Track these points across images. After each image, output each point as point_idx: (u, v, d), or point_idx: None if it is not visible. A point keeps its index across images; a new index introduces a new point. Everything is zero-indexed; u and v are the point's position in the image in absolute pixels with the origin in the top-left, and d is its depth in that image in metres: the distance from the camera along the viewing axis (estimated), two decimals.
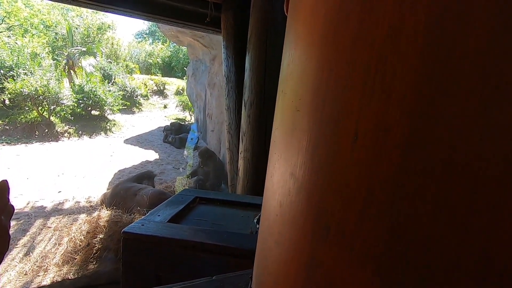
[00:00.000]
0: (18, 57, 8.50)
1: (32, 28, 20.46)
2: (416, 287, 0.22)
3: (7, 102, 8.83)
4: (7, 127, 7.90)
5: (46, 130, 8.25)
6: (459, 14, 0.19)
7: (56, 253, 2.71)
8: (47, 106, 8.33)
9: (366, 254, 0.25)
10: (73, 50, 11.44)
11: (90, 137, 8.94)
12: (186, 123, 12.61)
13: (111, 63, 15.96)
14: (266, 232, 0.41)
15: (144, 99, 15.65)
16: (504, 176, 0.18)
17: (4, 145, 6.95)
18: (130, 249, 1.01)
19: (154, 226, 1.06)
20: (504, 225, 0.18)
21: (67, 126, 8.83)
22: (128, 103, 12.22)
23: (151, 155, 7.49)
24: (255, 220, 1.23)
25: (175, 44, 28.08)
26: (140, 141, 9.03)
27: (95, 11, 18.26)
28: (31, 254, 2.77)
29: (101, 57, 12.83)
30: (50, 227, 3.34)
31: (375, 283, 0.24)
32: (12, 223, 3.40)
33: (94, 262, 2.49)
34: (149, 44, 28.74)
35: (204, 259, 0.99)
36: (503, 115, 0.18)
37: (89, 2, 2.56)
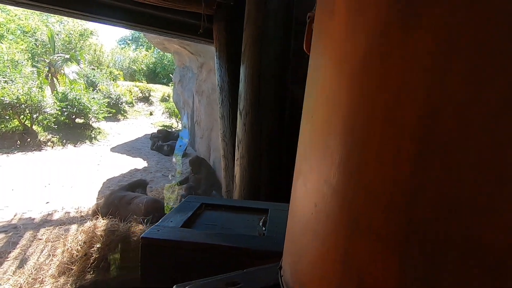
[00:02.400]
0: (4, 66, 8.26)
1: (8, 33, 19.80)
2: (428, 267, 0.32)
3: None
4: None
5: (29, 140, 8.01)
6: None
7: (50, 264, 2.68)
8: (29, 114, 8.11)
9: (388, 241, 0.35)
10: (56, 57, 11.19)
11: (74, 146, 8.75)
12: (173, 130, 12.55)
13: (95, 70, 15.71)
14: (299, 229, 0.51)
15: (129, 106, 15.44)
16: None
17: None
18: (149, 254, 1.08)
19: (170, 231, 1.14)
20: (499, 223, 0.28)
21: (51, 135, 8.61)
22: (114, 111, 12.04)
23: (140, 163, 7.42)
24: (261, 223, 1.33)
25: (159, 50, 27.89)
26: (127, 149, 8.92)
27: None
28: (24, 266, 2.72)
29: (85, 64, 12.59)
30: (41, 239, 3.29)
31: (395, 263, 0.35)
32: (1, 236, 3.33)
33: (91, 272, 2.49)
34: (133, 50, 28.43)
35: (219, 260, 1.08)
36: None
37: (78, 13, 2.61)
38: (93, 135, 9.80)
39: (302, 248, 0.49)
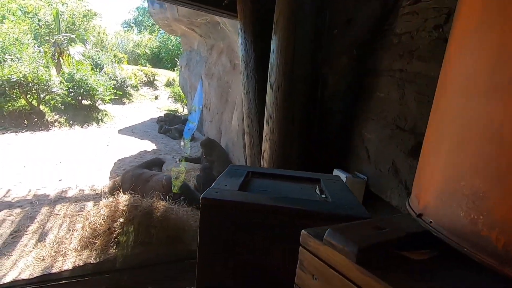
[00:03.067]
0: (4, 42, 8.07)
1: (9, 14, 19.43)
2: None
3: None
4: None
5: (36, 119, 7.92)
6: None
7: (71, 238, 2.63)
8: (36, 94, 7.98)
9: None
10: (61, 37, 10.96)
11: (82, 127, 8.66)
12: (179, 114, 12.43)
13: (99, 52, 15.44)
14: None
15: (134, 90, 15.27)
16: None
17: None
18: (208, 215, 0.99)
19: (228, 193, 1.05)
20: None
21: (57, 116, 8.51)
22: (120, 93, 11.88)
23: (148, 146, 7.34)
24: (317, 191, 1.24)
25: (163, 34, 27.46)
26: (135, 131, 8.83)
27: None
28: (44, 240, 2.68)
29: (91, 45, 12.36)
30: (58, 214, 3.24)
31: None
32: (17, 210, 3.28)
33: (114, 247, 2.44)
34: (136, 34, 27.96)
35: (282, 223, 0.99)
36: None
37: None
38: (99, 117, 9.69)
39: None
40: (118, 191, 2.92)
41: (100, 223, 2.45)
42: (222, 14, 3.33)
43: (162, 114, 12.37)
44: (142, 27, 31.80)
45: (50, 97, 8.37)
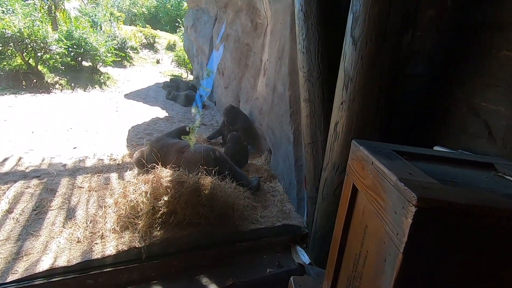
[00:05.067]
0: None
1: None
2: None
3: None
4: None
5: (35, 80, 7.28)
6: None
7: (105, 217, 2.30)
8: (33, 52, 7.27)
9: None
10: None
11: (84, 91, 8.06)
12: (185, 79, 11.77)
13: (95, 8, 14.22)
14: None
15: (134, 53, 14.34)
16: None
17: None
18: (435, 227, 0.62)
19: (448, 190, 0.67)
20: None
21: (58, 77, 7.86)
22: (123, 54, 11.08)
23: (159, 112, 6.86)
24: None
25: None
26: (142, 96, 8.27)
27: None
28: (74, 217, 2.34)
29: (89, 0, 11.27)
30: (81, 187, 2.88)
31: None
32: (34, 181, 2.91)
33: (158, 228, 2.12)
34: None
35: None
36: None
37: None
38: (102, 80, 9.04)
39: None
40: (149, 164, 2.55)
41: (142, 201, 2.10)
42: None
43: (166, 79, 11.69)
44: None
45: (49, 56, 7.66)
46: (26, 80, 7.18)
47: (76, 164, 3.46)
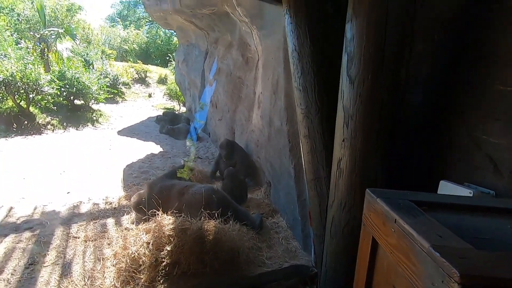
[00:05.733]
0: None
1: None
2: None
3: None
4: None
5: (26, 122, 7.20)
6: None
7: (104, 271, 2.17)
8: (24, 94, 7.26)
9: None
10: (47, 31, 10.10)
11: (77, 129, 8.00)
12: (177, 112, 11.86)
13: (87, 47, 14.53)
14: None
15: (126, 88, 14.51)
16: None
17: None
18: None
19: (486, 259, 0.64)
20: None
21: (49, 117, 7.81)
22: (116, 91, 11.18)
23: (154, 148, 6.81)
24: None
25: (151, 29, 26.41)
26: (136, 132, 8.24)
27: None
28: (70, 274, 2.20)
29: (81, 40, 11.54)
30: (77, 237, 2.75)
31: None
32: (26, 234, 2.77)
33: (161, 281, 2.00)
34: (122, 29, 26.79)
35: None
36: None
37: None
38: (94, 118, 9.02)
39: None
40: (148, 208, 2.47)
41: (144, 253, 2.00)
42: None
43: (158, 113, 11.76)
44: (128, 22, 30.61)
45: (41, 98, 7.65)
46: (17, 123, 7.10)
47: (70, 211, 3.33)
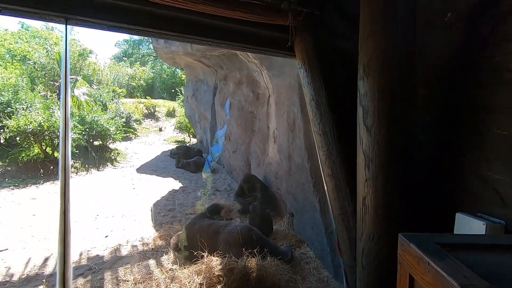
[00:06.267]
0: (13, 92, 7.91)
1: None
2: None
3: (1, 140, 8.14)
4: (9, 168, 7.22)
5: (51, 167, 7.64)
6: None
7: None
8: (50, 141, 7.75)
9: None
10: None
11: (98, 170, 8.40)
12: (189, 145, 12.28)
13: (100, 89, 15.34)
14: None
15: (137, 124, 15.11)
16: None
17: (12, 188, 6.31)
18: None
19: None
20: None
21: (72, 161, 8.24)
22: (132, 130, 11.71)
23: (173, 183, 7.13)
24: None
25: (156, 64, 27.64)
26: (153, 168, 8.61)
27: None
28: None
29: (97, 85, 12.27)
30: (126, 280, 3.00)
31: None
32: (80, 280, 3.03)
33: None
34: (127, 66, 28.08)
35: None
36: None
37: (146, 30, 2.41)
38: (113, 157, 9.46)
39: None
40: (187, 248, 2.73)
41: None
42: (277, 54, 3.29)
43: (170, 146, 12.22)
44: (132, 59, 32.11)
45: None
46: (44, 168, 7.53)
47: (112, 254, 3.59)
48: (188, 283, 2.36)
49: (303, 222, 3.79)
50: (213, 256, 2.57)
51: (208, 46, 4.71)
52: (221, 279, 2.31)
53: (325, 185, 3.02)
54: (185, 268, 3.02)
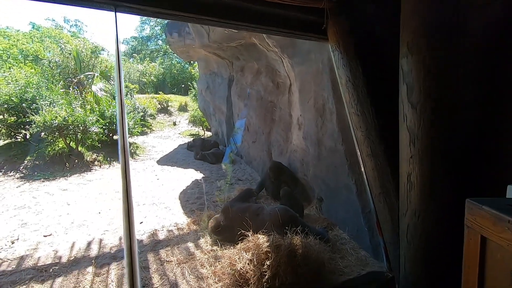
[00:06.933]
0: (38, 89, 8.12)
1: (11, 58, 19.79)
2: None
3: (28, 136, 8.39)
4: (37, 162, 7.46)
5: (76, 161, 7.85)
6: None
7: None
8: (74, 135, 7.96)
9: None
10: (83, 76, 11.04)
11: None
12: (205, 138, 12.40)
13: (113, 86, 15.56)
14: None
15: (151, 118, 15.32)
16: None
17: (43, 181, 6.53)
18: None
19: None
20: None
21: (95, 154, 8.45)
22: (149, 124, 11.89)
23: (195, 174, 7.26)
24: None
25: (163, 59, 27.77)
26: (174, 161, 8.77)
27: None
28: None
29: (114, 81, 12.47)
30: (170, 261, 3.11)
31: None
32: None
33: None
34: (137, 63, 28.35)
35: None
36: None
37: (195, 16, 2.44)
38: (132, 151, 9.66)
39: None
40: (225, 231, 2.81)
41: (251, 268, 2.33)
42: (309, 38, 3.29)
43: (186, 140, 12.37)
44: (141, 55, 32.35)
45: (87, 137, 8.34)
46: (69, 162, 7.75)
47: (150, 238, 3.72)
48: (238, 259, 2.45)
49: (334, 206, 3.83)
50: (259, 234, 2.65)
51: (244, 30, 4.72)
52: (269, 255, 2.39)
53: (362, 165, 3.06)
54: (225, 249, 3.13)
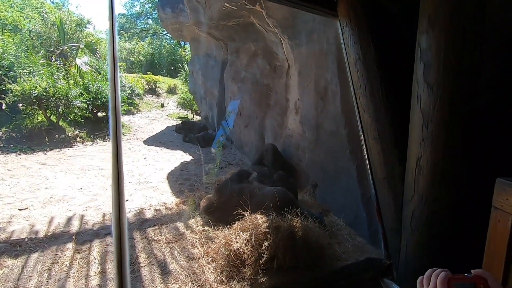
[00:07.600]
0: (17, 57, 7.53)
1: None
2: None
3: (3, 106, 7.83)
4: (13, 134, 6.97)
5: (57, 135, 7.41)
6: None
7: (202, 268, 2.35)
8: (54, 109, 7.48)
9: None
10: (66, 47, 10.38)
11: (103, 141, 8.19)
12: (195, 121, 12.08)
13: (99, 61, 14.82)
14: None
15: (138, 99, 14.74)
16: None
17: (19, 154, 6.11)
18: None
19: None
20: None
21: (78, 130, 8.02)
22: (136, 103, 11.42)
23: (184, 156, 7.01)
24: None
25: (152, 39, 26.78)
26: (161, 141, 8.45)
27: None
28: (170, 273, 2.37)
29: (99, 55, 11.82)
30: (158, 240, 2.92)
31: None
32: (109, 239, 2.94)
33: (261, 275, 2.18)
34: (125, 41, 27.21)
35: None
36: None
37: None
38: None
39: None
40: (218, 210, 2.66)
41: (248, 249, 2.18)
42: (318, 12, 3.09)
43: (174, 122, 12.00)
44: (130, 34, 31.08)
45: (69, 111, 7.87)
46: (49, 136, 7.30)
47: (136, 216, 3.51)
48: (235, 238, 2.29)
49: (332, 192, 3.73)
50: (257, 214, 2.49)
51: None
52: (268, 236, 2.24)
53: (366, 149, 2.93)
54: (218, 230, 2.96)
